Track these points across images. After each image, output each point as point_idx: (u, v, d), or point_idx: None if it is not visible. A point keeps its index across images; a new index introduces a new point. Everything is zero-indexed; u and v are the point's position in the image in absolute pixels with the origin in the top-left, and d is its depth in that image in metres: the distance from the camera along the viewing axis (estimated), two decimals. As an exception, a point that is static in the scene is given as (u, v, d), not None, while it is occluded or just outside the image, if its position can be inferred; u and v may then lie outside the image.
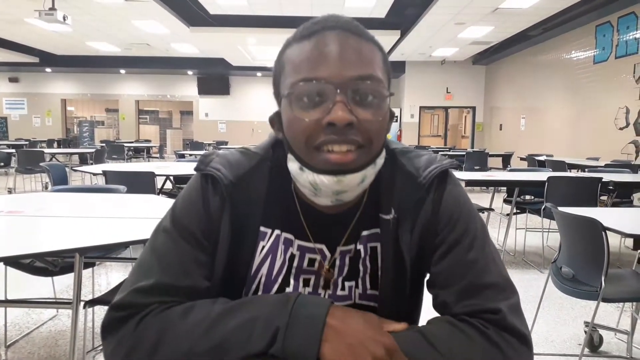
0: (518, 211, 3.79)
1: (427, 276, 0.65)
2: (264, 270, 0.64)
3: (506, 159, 8.20)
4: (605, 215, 1.85)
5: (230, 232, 0.62)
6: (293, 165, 0.59)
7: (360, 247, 0.65)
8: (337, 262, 0.65)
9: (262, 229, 0.64)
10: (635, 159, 6.13)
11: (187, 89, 14.19)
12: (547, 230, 3.94)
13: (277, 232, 0.65)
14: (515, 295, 0.60)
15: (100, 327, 0.58)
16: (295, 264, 0.65)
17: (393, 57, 11.27)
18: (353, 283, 0.65)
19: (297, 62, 0.57)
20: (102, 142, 11.03)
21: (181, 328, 0.54)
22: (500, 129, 11.24)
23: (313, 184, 0.57)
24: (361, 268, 0.65)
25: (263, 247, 0.64)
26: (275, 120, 0.64)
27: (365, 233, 0.65)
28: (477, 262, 0.60)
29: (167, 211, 0.65)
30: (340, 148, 0.55)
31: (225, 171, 0.63)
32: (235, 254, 0.63)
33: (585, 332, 2.01)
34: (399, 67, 12.23)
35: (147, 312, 0.56)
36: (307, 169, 0.57)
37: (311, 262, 0.65)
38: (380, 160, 0.60)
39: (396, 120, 12.58)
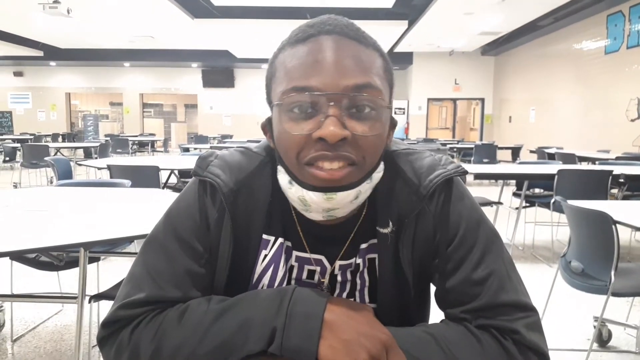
0: (527, 205, 3.75)
1: (435, 290, 0.62)
2: (266, 280, 0.61)
3: (515, 151, 8.14)
4: (615, 208, 1.82)
5: (232, 241, 0.59)
6: (283, 178, 0.57)
7: (359, 260, 0.62)
8: (339, 278, 0.63)
9: (264, 236, 0.62)
10: (646, 151, 6.05)
11: (191, 81, 14.17)
12: (557, 224, 3.89)
13: (280, 240, 0.62)
14: (533, 313, 0.56)
15: (97, 342, 0.57)
16: (294, 275, 0.63)
17: (400, 48, 11.17)
18: (352, 298, 0.63)
19: (289, 69, 0.53)
20: (106, 136, 11.06)
21: (177, 334, 0.53)
22: (510, 121, 11.13)
23: (302, 200, 0.54)
24: (359, 281, 0.63)
25: (265, 255, 0.61)
26: (268, 127, 0.60)
27: (363, 246, 0.62)
28: (489, 280, 0.56)
29: (161, 218, 0.62)
30: (331, 165, 0.51)
31: (225, 177, 0.59)
32: (237, 262, 0.60)
33: (594, 326, 1.98)
34: (406, 58, 12.12)
35: (139, 321, 0.55)
36: (296, 183, 0.54)
37: (310, 274, 0.63)
38: (377, 175, 0.56)
39: (403, 113, 12.49)
